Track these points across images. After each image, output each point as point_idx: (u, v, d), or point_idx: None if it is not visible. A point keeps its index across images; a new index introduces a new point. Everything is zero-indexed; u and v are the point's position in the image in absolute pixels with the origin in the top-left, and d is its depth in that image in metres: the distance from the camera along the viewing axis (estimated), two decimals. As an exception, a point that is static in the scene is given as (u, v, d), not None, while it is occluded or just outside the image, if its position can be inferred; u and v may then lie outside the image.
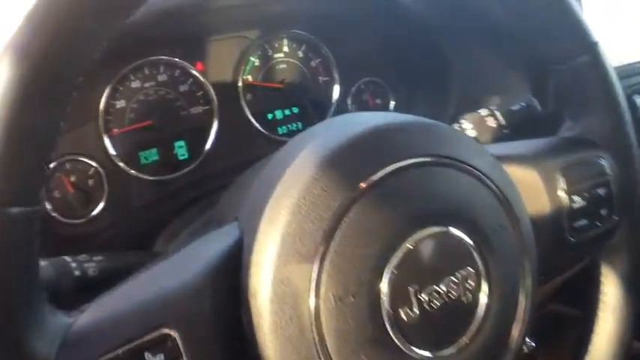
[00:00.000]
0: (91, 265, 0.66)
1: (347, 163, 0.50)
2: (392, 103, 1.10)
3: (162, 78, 0.92)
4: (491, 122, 0.83)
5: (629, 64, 1.18)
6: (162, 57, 0.91)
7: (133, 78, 0.90)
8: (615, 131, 0.69)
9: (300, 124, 1.03)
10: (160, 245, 0.82)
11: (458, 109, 1.04)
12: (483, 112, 0.84)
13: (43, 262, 0.63)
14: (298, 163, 0.51)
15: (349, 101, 1.07)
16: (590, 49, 0.66)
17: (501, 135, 0.83)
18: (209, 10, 0.92)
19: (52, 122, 0.41)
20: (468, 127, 0.83)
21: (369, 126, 0.52)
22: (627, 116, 0.69)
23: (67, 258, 0.66)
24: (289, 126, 1.02)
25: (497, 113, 0.83)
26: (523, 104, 0.84)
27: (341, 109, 1.05)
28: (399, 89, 1.11)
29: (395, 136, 0.53)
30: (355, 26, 1.03)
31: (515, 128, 0.84)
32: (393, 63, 1.10)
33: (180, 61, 0.92)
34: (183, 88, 0.94)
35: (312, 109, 1.03)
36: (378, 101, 1.09)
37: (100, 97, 0.87)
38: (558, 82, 0.69)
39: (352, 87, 1.07)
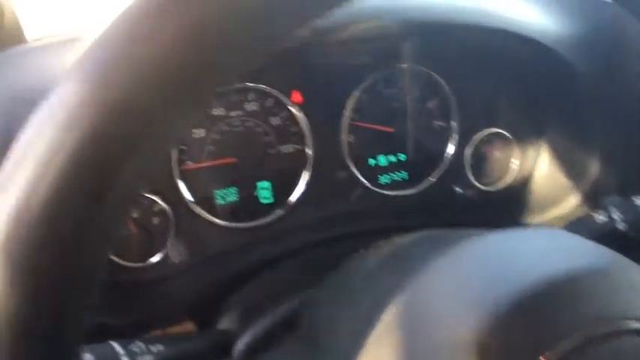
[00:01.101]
0: (147, 359, 0.53)
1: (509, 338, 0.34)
2: (515, 163, 0.93)
3: (250, 107, 0.77)
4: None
5: None
6: (253, 84, 0.76)
7: (216, 104, 0.75)
8: None
9: (405, 174, 0.87)
10: (228, 321, 0.67)
11: (599, 186, 0.85)
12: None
13: (85, 354, 0.49)
14: (436, 335, 0.35)
15: (467, 153, 0.89)
16: None
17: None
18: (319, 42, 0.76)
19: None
20: (617, 216, 0.66)
21: (537, 280, 0.36)
22: None
23: (118, 347, 0.52)
24: (393, 175, 0.86)
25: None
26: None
27: (456, 161, 0.88)
28: (527, 148, 0.93)
29: (576, 296, 0.37)
30: (488, 68, 0.85)
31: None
32: (527, 116, 0.91)
33: (274, 89, 0.77)
34: (274, 121, 0.79)
35: (423, 157, 0.87)
36: (499, 155, 0.92)
37: None
38: None
39: (473, 136, 0.89)
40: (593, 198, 0.86)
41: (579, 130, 0.87)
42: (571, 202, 0.89)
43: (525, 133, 0.91)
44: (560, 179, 0.90)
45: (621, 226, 0.67)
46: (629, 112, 0.81)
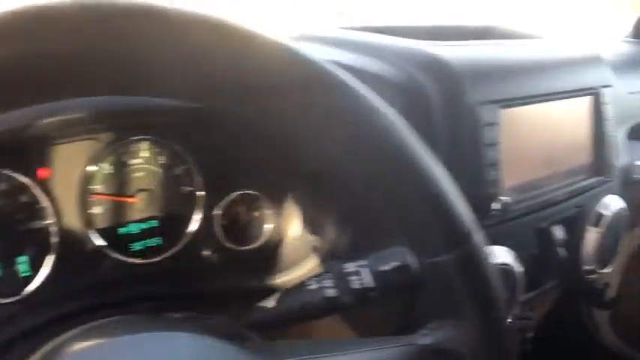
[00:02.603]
0: None
1: None
2: (267, 223, 0.99)
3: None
4: (356, 283, 0.72)
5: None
6: None
7: None
8: (484, 342, 0.59)
9: (160, 240, 0.91)
10: None
11: (335, 248, 0.92)
12: (349, 267, 0.73)
13: None
14: None
15: (216, 215, 0.94)
16: (458, 244, 0.57)
17: (367, 298, 0.72)
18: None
19: None
20: (328, 284, 0.72)
21: None
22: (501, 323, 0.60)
23: None
24: (147, 242, 0.90)
25: (365, 272, 0.72)
26: (397, 263, 0.72)
27: (205, 224, 0.93)
28: (278, 208, 0.99)
29: None
30: (229, 134, 0.90)
31: (387, 290, 0.72)
32: (274, 177, 0.97)
33: (16, 171, 0.79)
34: (23, 199, 0.80)
35: (174, 222, 0.91)
36: (251, 216, 0.98)
37: None
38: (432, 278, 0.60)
39: (222, 198, 0.94)
40: (331, 259, 0.92)
41: (316, 191, 0.93)
42: (313, 263, 0.96)
43: (275, 194, 0.97)
44: (305, 240, 0.96)
45: (331, 292, 0.72)
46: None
